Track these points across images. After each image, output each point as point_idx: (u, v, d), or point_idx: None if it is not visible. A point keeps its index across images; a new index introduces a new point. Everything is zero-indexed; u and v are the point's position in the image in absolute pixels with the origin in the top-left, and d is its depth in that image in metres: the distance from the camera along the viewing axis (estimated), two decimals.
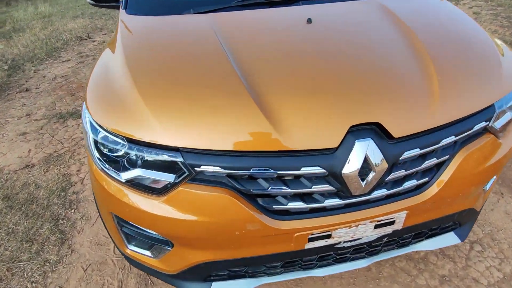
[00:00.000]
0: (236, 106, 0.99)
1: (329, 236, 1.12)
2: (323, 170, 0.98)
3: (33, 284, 1.68)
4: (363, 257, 1.35)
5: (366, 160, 0.99)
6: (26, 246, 1.87)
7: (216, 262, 1.16)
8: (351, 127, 0.98)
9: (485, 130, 1.18)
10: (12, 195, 2.25)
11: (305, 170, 0.98)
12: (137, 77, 1.09)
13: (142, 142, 1.00)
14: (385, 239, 1.26)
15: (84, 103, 1.17)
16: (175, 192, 1.02)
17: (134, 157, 1.03)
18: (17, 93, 3.82)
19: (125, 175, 1.05)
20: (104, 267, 1.75)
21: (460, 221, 1.40)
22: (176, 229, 1.07)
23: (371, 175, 1.01)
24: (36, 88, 3.92)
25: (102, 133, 1.06)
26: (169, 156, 0.98)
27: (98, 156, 1.09)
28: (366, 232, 1.18)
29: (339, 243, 1.17)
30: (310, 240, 1.11)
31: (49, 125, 3.11)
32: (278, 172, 0.98)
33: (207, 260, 1.15)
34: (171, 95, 1.04)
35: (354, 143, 0.97)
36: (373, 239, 1.23)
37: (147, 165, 1.02)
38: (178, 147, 0.97)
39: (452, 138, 1.08)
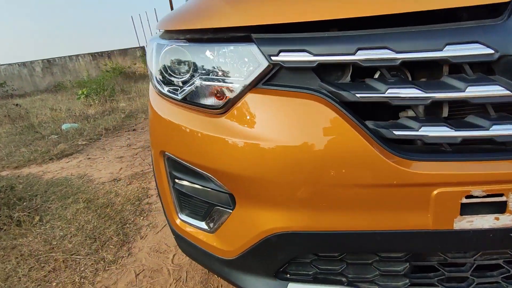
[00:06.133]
0: None
1: (504, 206, 0.62)
2: (488, 50, 0.57)
3: (82, 280, 1.44)
4: None
5: None
6: (88, 242, 1.71)
7: (296, 234, 0.74)
8: None
9: None
10: (93, 199, 2.23)
11: (452, 50, 0.58)
12: None
13: (205, 38, 0.77)
14: None
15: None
16: (242, 101, 0.72)
17: (194, 62, 0.79)
18: (125, 131, 4.26)
19: (184, 89, 0.80)
20: (158, 275, 1.43)
21: None
22: (240, 163, 0.73)
23: None
24: (141, 129, 4.33)
25: (165, 45, 0.87)
26: (237, 45, 0.71)
27: (158, 78, 0.89)
28: None
29: None
30: (465, 209, 0.63)
31: (143, 152, 3.26)
32: (401, 55, 0.60)
33: (284, 230, 0.75)
34: None
35: None
36: None
37: (208, 69, 0.77)
38: (250, 31, 0.70)
39: None
